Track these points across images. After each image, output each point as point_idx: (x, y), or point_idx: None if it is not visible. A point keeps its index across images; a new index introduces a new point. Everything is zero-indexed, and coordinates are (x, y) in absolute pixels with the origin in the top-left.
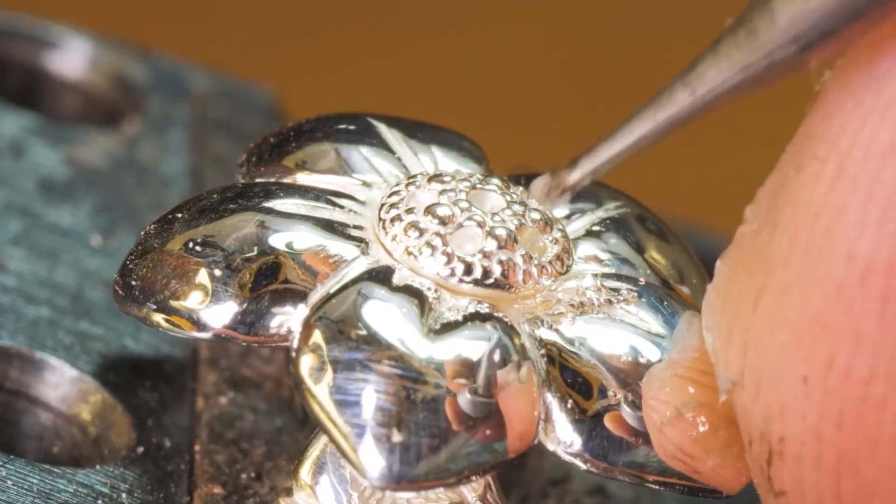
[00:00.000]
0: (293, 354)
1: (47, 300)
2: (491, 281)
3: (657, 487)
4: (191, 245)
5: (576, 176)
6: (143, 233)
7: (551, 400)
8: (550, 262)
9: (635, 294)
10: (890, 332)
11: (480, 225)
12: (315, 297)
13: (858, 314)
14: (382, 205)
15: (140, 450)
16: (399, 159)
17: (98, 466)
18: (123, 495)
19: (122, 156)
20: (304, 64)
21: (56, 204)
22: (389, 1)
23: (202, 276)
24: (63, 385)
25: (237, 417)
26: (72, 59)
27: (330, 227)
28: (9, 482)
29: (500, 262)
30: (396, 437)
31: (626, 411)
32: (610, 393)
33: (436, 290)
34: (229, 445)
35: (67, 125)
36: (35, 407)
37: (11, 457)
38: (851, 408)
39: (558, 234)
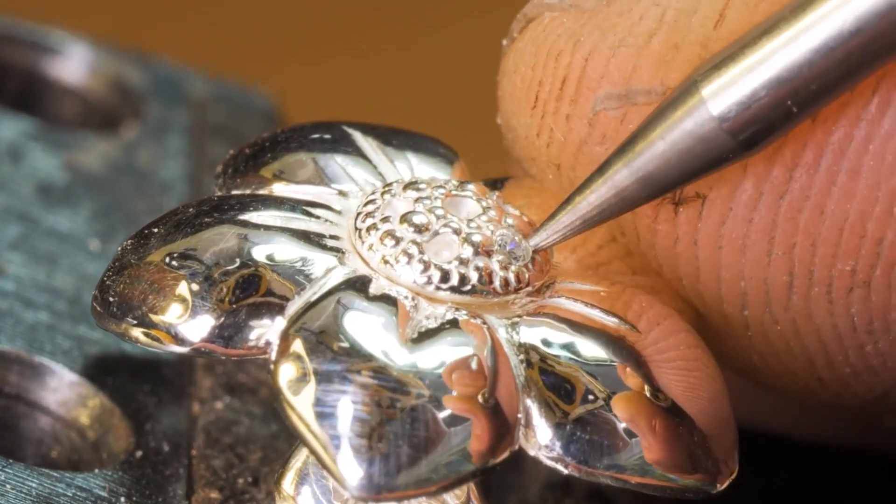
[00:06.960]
0: (272, 366)
1: (46, 304)
2: (468, 287)
3: (641, 490)
4: (168, 259)
5: (537, 239)
6: (119, 248)
7: (531, 405)
8: (528, 268)
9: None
10: None
11: (457, 232)
12: (293, 308)
13: None
14: (358, 214)
15: (138, 454)
16: (375, 167)
17: (97, 470)
18: (122, 499)
19: (120, 161)
20: (302, 68)
21: (54, 209)
22: (387, 5)
23: (180, 290)
24: (62, 389)
25: (233, 422)
26: (71, 64)
27: (306, 237)
28: (8, 486)
29: (477, 269)
30: (376, 447)
31: (607, 415)
32: (590, 396)
33: (413, 299)
34: (226, 450)
35: (66, 130)
36: (34, 411)
37: (10, 461)
38: None
39: None
